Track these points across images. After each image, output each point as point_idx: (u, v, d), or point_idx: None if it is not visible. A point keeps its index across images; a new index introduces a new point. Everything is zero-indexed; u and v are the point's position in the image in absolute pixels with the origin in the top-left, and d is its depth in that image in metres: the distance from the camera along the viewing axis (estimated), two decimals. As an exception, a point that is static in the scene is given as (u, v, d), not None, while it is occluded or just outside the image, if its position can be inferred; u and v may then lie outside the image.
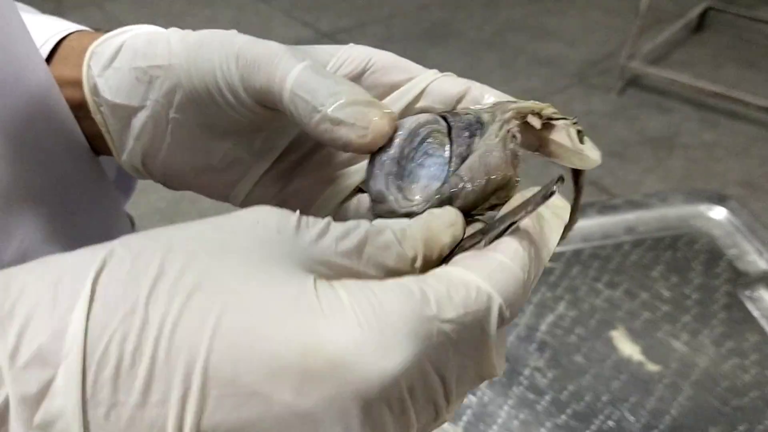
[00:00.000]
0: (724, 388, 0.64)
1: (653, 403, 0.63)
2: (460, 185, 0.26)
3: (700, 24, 2.92)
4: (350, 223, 0.23)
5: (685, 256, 0.77)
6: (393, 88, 0.30)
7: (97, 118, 0.33)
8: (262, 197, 0.34)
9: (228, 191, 0.34)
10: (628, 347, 0.68)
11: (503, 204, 0.27)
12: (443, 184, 0.26)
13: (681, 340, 0.68)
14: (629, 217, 0.80)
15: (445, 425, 0.61)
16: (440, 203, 0.26)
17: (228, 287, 0.20)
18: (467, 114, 0.29)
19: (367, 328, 0.20)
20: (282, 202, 0.34)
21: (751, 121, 2.42)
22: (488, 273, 0.23)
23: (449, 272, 0.22)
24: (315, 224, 0.22)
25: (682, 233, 0.79)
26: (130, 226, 0.45)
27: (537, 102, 0.29)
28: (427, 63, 0.32)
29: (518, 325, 0.69)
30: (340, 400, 0.19)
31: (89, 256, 0.20)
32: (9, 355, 0.18)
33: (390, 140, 0.27)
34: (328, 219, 0.23)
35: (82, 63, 0.32)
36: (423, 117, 0.28)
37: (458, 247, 0.25)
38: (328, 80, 0.27)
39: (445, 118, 0.28)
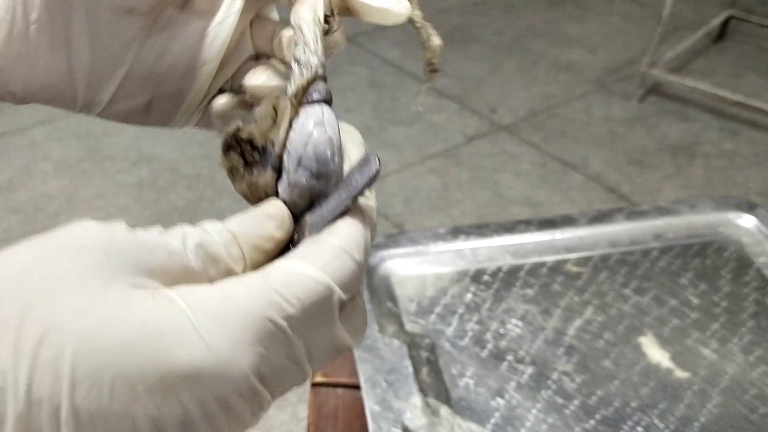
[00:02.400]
0: (752, 395, 0.64)
1: (682, 409, 0.63)
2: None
3: (722, 33, 2.90)
4: (177, 232, 0.23)
5: (714, 264, 0.76)
6: None
7: None
8: (128, 107, 0.33)
9: (90, 97, 0.32)
10: (657, 353, 0.67)
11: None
12: None
13: (710, 347, 0.68)
14: (658, 223, 0.80)
15: (473, 426, 0.62)
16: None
17: (73, 331, 0.20)
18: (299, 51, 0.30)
19: (213, 341, 0.21)
20: (147, 108, 0.34)
21: (772, 131, 2.40)
22: (324, 262, 0.24)
23: (288, 266, 0.23)
24: (145, 238, 0.23)
25: (711, 240, 0.79)
26: None
27: None
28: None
29: (545, 329, 0.69)
30: (201, 402, 0.21)
31: None
32: None
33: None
34: (157, 230, 0.23)
35: None
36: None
37: (296, 234, 0.27)
38: None
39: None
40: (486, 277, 0.75)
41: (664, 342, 0.69)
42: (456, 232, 0.78)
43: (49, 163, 2.21)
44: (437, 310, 0.71)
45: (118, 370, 0.20)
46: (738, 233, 0.80)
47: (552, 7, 3.20)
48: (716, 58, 2.83)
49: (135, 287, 0.21)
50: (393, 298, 0.72)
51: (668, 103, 2.55)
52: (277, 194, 0.28)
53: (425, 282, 0.74)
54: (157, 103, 0.34)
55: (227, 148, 0.28)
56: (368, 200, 0.27)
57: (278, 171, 0.27)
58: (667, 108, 2.53)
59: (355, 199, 0.26)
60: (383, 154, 2.27)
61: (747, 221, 0.80)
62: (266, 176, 0.27)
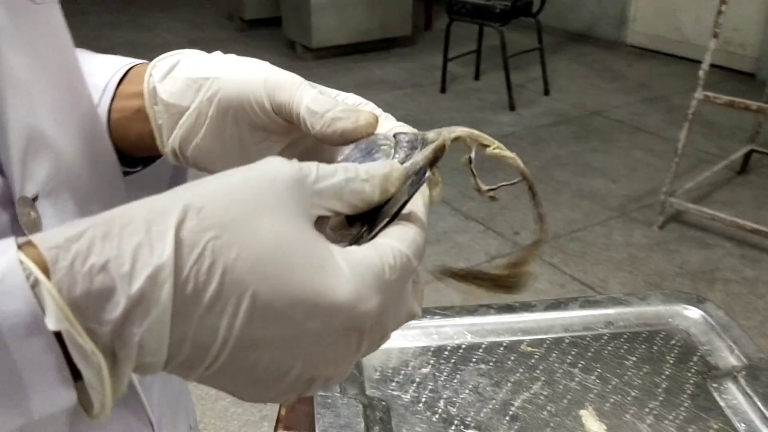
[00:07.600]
0: (685, 470, 0.68)
1: (611, 475, 0.67)
2: None
3: (745, 166, 2.99)
4: (329, 168, 0.33)
5: (659, 350, 0.82)
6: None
7: (150, 112, 0.46)
8: None
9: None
10: (594, 425, 0.73)
11: None
12: None
13: (646, 422, 0.73)
14: (609, 312, 0.87)
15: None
16: None
17: (264, 253, 0.29)
18: (416, 133, 0.39)
19: (354, 285, 0.31)
20: None
21: (795, 261, 2.42)
22: (408, 242, 0.34)
23: (389, 244, 0.33)
24: (310, 170, 0.32)
25: (660, 329, 0.85)
26: None
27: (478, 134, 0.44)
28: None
29: (494, 399, 0.76)
30: (335, 327, 0.31)
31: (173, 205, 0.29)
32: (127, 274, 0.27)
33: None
34: (315, 164, 0.33)
35: (143, 80, 0.46)
36: (375, 136, 0.40)
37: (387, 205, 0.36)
38: (330, 100, 0.41)
39: (395, 136, 0.39)
40: (446, 353, 0.82)
41: (602, 415, 0.74)
42: (423, 313, 0.87)
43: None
44: (397, 378, 0.79)
45: (290, 281, 0.29)
46: (686, 324, 0.86)
47: (577, 141, 3.37)
48: (738, 189, 2.90)
49: (307, 217, 0.31)
50: (359, 367, 0.80)
51: (689, 230, 2.61)
52: None
53: (390, 354, 0.82)
54: None
55: None
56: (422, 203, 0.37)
57: None
58: (688, 235, 2.58)
59: (408, 200, 0.35)
60: (407, 270, 2.37)
61: (695, 313, 0.86)
62: None
